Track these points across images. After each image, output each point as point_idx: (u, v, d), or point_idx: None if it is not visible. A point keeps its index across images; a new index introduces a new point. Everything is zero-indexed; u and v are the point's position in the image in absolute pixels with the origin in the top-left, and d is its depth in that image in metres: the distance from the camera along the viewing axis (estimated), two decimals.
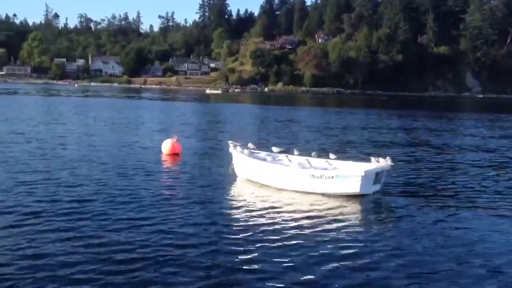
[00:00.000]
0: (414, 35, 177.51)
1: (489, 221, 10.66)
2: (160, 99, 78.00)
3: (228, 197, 12.09)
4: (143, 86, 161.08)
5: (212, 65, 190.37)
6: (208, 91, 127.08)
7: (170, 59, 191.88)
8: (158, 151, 18.25)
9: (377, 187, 12.63)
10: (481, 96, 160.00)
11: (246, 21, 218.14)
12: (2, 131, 23.92)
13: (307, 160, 13.54)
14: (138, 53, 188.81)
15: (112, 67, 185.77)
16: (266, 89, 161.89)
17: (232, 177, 13.88)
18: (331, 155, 13.76)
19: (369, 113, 52.73)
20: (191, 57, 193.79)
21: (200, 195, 11.81)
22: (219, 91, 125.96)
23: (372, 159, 13.00)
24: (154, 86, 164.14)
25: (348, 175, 12.30)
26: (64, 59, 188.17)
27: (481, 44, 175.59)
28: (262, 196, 12.11)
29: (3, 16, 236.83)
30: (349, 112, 55.06)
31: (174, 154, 17.77)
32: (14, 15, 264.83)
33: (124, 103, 60.40)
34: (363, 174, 12.07)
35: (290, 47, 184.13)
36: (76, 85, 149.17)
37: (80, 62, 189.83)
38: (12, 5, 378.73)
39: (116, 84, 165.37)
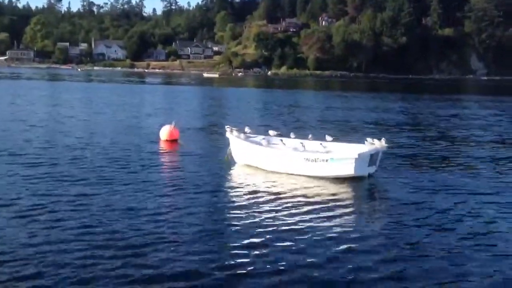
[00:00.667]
0: (419, 17, 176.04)
1: (490, 204, 10.68)
2: (162, 84, 77.89)
3: (224, 183, 12.10)
4: (146, 70, 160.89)
5: (216, 48, 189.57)
6: (205, 74, 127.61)
7: (173, 43, 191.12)
8: (156, 137, 18.26)
9: (373, 169, 12.69)
10: (486, 78, 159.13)
11: (250, 4, 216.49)
12: (4, 118, 24.06)
13: (302, 143, 13.59)
14: (141, 37, 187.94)
15: (115, 51, 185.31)
16: (269, 73, 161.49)
17: (230, 162, 13.93)
18: (328, 137, 13.79)
19: (373, 97, 52.65)
20: (194, 40, 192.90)
21: (197, 182, 11.78)
22: (216, 75, 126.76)
23: (366, 141, 13.06)
24: (157, 70, 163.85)
25: (342, 158, 12.37)
26: (67, 43, 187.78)
27: (486, 26, 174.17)
28: (257, 181, 12.16)
29: (6, 0, 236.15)
30: (353, 96, 55.02)
31: (172, 140, 17.78)
32: None
33: (126, 88, 60.46)
34: (356, 156, 12.11)
35: (294, 30, 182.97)
36: (79, 69, 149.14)
37: (83, 46, 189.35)
38: None
39: (119, 68, 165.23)
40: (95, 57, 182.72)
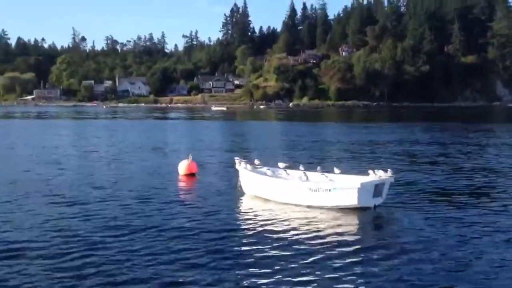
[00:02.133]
0: (440, 45, 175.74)
1: (498, 239, 10.11)
2: (184, 118, 78.49)
3: (230, 214, 12.23)
4: (169, 105, 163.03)
5: (237, 82, 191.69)
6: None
7: (195, 78, 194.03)
8: (175, 172, 18.30)
9: (378, 200, 12.45)
10: None
11: (269, 37, 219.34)
12: (35, 160, 24.12)
13: (305, 174, 13.65)
14: (164, 72, 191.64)
15: (139, 87, 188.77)
16: (290, 104, 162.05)
17: (240, 194, 14.24)
18: (336, 170, 13.74)
19: (397, 126, 51.86)
20: (216, 75, 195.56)
21: (207, 215, 12.04)
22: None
23: (370, 171, 12.96)
24: (179, 104, 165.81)
25: (344, 188, 12.28)
26: (92, 81, 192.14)
27: (510, 52, 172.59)
28: (262, 212, 12.25)
29: (32, 41, 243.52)
30: (376, 126, 54.28)
31: (190, 174, 17.82)
32: (43, 39, 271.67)
33: (149, 124, 61.09)
34: (359, 186, 11.97)
35: (314, 61, 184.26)
36: (104, 106, 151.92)
37: (108, 83, 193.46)
38: (41, 30, 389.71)
39: (143, 104, 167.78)
40: (119, 93, 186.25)
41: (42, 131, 46.10)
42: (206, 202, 13.60)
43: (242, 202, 13.59)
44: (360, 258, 8.80)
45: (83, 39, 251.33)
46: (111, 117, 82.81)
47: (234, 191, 14.55)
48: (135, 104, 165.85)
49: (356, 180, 12.59)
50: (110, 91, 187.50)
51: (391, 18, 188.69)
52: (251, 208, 12.87)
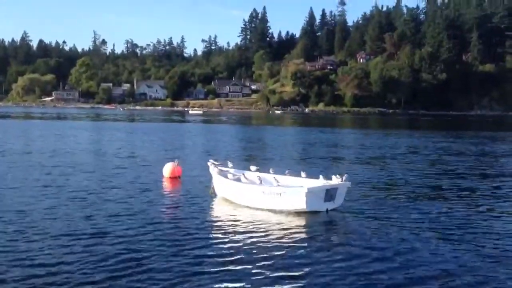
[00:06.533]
0: (458, 53, 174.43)
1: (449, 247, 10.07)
2: (199, 122, 79.16)
3: (195, 217, 12.29)
4: (186, 109, 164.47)
5: (253, 87, 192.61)
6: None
7: (212, 82, 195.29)
8: (160, 174, 18.62)
9: (331, 205, 12.49)
10: None
11: (287, 42, 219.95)
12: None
13: (259, 177, 14.02)
14: (182, 76, 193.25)
15: (156, 90, 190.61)
16: (306, 110, 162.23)
17: (213, 196, 14.63)
18: (302, 173, 13.98)
19: (412, 135, 51.73)
20: (233, 79, 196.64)
21: (177, 216, 12.41)
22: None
23: (321, 176, 13.15)
24: (196, 108, 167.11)
25: (292, 193, 12.39)
26: (111, 84, 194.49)
27: None
28: (223, 216, 12.54)
29: (53, 43, 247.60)
30: (392, 133, 54.23)
31: (174, 178, 18.09)
32: (64, 41, 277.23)
33: (162, 127, 61.79)
34: (306, 191, 12.04)
35: (331, 67, 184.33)
36: (121, 109, 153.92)
37: (126, 86, 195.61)
38: (62, 32, 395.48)
39: (160, 107, 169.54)
40: (137, 97, 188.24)
41: (58, 131, 47.05)
42: (178, 204, 13.90)
43: (210, 205, 13.82)
44: (303, 260, 8.91)
45: (104, 42, 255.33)
46: (129, 120, 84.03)
47: (208, 194, 14.83)
48: (152, 107, 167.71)
49: (303, 185, 12.66)
50: (128, 94, 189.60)
51: (410, 26, 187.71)
52: (215, 211, 13.18)
